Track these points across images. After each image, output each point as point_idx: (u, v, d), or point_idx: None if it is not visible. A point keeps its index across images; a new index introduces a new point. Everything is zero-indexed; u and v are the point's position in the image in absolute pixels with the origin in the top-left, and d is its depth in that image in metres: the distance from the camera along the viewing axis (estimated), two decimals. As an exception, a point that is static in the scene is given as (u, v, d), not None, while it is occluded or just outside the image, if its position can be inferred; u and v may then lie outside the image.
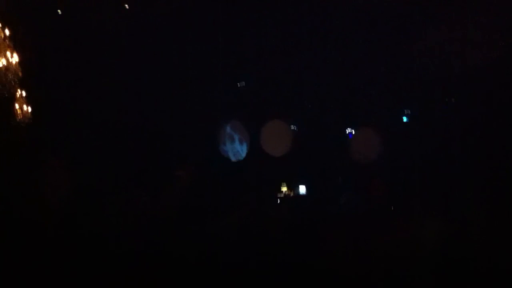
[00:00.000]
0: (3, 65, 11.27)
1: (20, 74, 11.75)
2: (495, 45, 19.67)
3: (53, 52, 18.57)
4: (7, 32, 11.33)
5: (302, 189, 21.78)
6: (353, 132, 22.86)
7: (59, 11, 19.79)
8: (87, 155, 18.10)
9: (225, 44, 21.74)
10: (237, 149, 22.28)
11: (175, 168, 19.42)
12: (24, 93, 12.26)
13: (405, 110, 22.42)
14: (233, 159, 22.17)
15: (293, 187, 21.90)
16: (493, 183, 17.15)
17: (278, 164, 21.09)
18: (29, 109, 13.11)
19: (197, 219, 14.73)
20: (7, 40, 11.32)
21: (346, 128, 22.71)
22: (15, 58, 11.47)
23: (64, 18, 19.99)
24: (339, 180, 21.25)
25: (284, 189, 21.81)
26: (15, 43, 11.54)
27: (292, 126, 22.37)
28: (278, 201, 21.33)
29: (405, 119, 22.57)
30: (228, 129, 22.33)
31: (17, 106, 12.86)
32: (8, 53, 11.30)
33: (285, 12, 21.64)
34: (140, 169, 19.00)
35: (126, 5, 20.69)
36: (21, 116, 12.76)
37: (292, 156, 21.04)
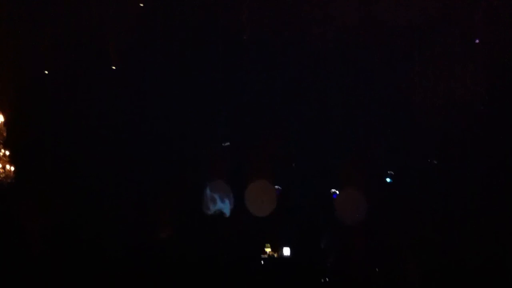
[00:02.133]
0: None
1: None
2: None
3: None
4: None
5: (286, 251, 21.50)
6: (337, 193, 22.87)
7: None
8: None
9: (210, 102, 22.04)
10: (220, 208, 22.17)
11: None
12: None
13: (388, 171, 22.56)
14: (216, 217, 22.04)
15: (277, 248, 21.66)
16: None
17: (262, 224, 20.98)
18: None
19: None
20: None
21: (331, 189, 22.74)
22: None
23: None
24: (323, 242, 21.16)
25: (268, 250, 21.55)
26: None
27: (277, 186, 22.32)
28: (262, 262, 21.06)
29: (388, 180, 22.68)
30: (209, 190, 22.27)
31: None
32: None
33: (267, 71, 22.07)
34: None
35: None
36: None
37: (276, 216, 20.95)
